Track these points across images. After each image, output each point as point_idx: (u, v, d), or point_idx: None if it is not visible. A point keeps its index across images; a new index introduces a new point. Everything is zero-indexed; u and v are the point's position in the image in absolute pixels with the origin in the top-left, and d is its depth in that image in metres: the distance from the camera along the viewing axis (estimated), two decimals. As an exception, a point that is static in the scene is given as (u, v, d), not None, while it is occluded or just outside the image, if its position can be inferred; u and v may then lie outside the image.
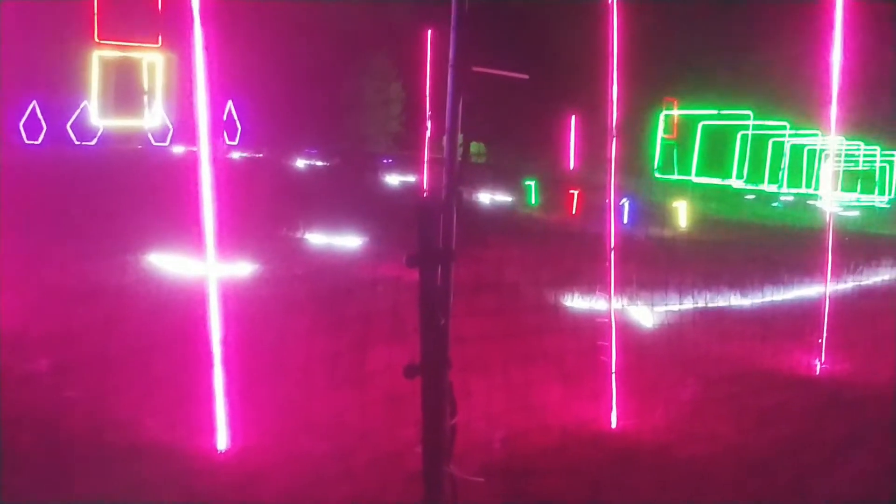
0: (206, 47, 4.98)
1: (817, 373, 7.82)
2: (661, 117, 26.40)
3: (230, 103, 26.71)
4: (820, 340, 7.92)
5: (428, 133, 11.41)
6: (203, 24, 4.97)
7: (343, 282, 9.45)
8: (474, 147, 30.48)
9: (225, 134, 26.37)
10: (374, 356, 6.59)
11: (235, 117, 27.00)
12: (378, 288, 8.35)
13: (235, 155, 23.56)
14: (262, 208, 12.83)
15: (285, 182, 20.57)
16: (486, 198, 22.33)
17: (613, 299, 6.61)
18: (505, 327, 8.43)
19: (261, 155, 24.95)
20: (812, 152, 29.44)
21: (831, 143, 8.69)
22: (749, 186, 28.68)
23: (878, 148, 32.40)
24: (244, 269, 9.91)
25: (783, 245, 15.98)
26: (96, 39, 25.18)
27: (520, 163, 25.85)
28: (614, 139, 6.27)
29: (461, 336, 7.98)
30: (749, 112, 26.43)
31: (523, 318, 8.81)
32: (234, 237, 5.46)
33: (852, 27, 7.93)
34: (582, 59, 6.98)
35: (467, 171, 25.57)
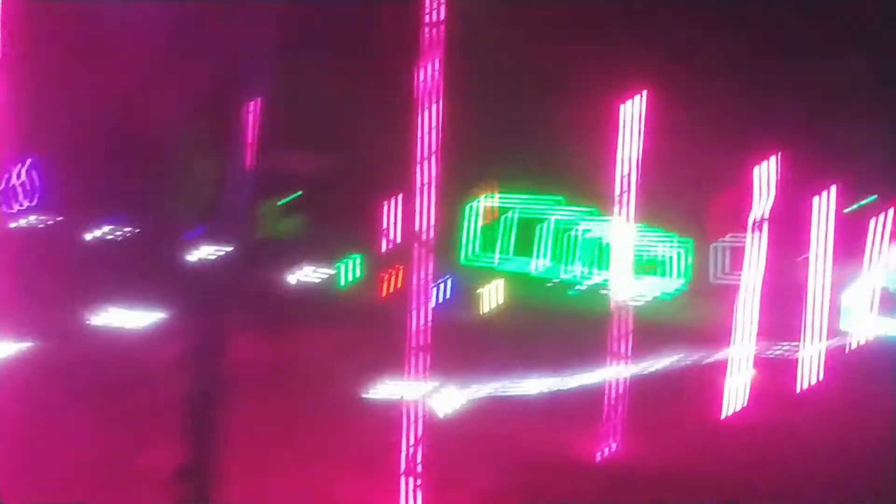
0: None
1: (605, 456, 8.13)
2: (476, 202, 27.42)
3: (28, 162, 24.50)
4: (611, 425, 8.26)
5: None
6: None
7: (130, 368, 8.74)
8: (289, 222, 29.97)
9: (20, 195, 24.07)
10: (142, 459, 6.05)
11: (33, 178, 24.76)
12: (164, 375, 7.79)
13: (25, 221, 21.54)
14: (51, 282, 11.75)
15: (81, 251, 19.02)
16: (300, 276, 21.84)
17: (414, 386, 6.55)
18: (303, 415, 8.15)
19: (59, 219, 22.94)
20: (612, 239, 31.57)
21: (624, 230, 9.30)
22: (554, 271, 30.20)
23: (671, 236, 35.39)
24: (15, 352, 8.93)
25: (583, 329, 16.80)
26: None
27: (339, 239, 25.70)
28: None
29: (252, 427, 7.64)
30: (556, 200, 28.06)
31: (324, 405, 8.57)
32: (8, 317, 4.89)
33: (650, 125, 8.62)
34: (403, 142, 7.14)
35: (271, 248, 24.99)
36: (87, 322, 12.14)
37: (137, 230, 23.36)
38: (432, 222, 6.69)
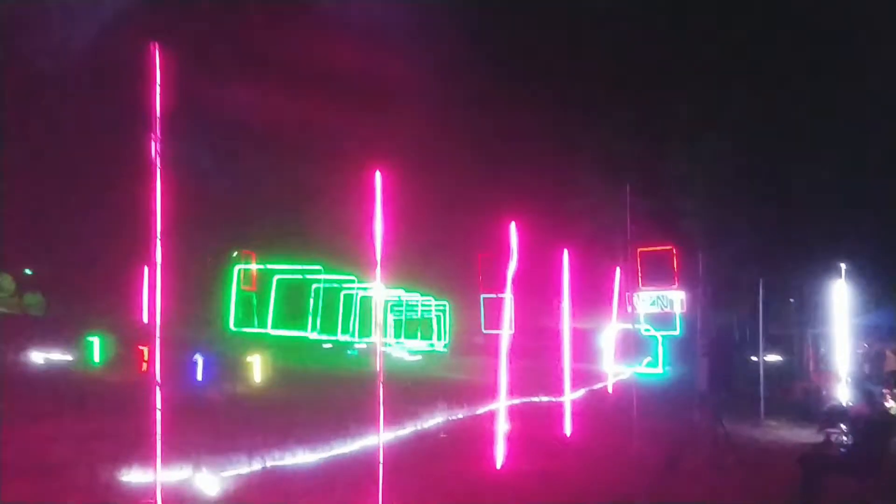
0: None
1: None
2: (237, 270, 26.56)
3: None
4: (377, 491, 8.16)
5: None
6: None
7: None
8: (29, 298, 27.07)
9: None
10: None
11: None
12: None
13: None
14: None
15: None
16: (40, 357, 19.69)
17: (169, 472, 6.01)
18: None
19: None
20: (375, 303, 32.05)
21: (378, 294, 9.44)
22: (325, 336, 30.03)
23: (432, 298, 36.77)
24: None
25: (354, 393, 16.71)
26: None
27: (84, 315, 23.55)
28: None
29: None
30: (320, 266, 28.06)
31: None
32: None
33: (396, 199, 8.90)
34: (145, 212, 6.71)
35: (18, 326, 22.45)
36: None
37: None
38: (160, 295, 6.41)
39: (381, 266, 8.71)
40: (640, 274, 15.54)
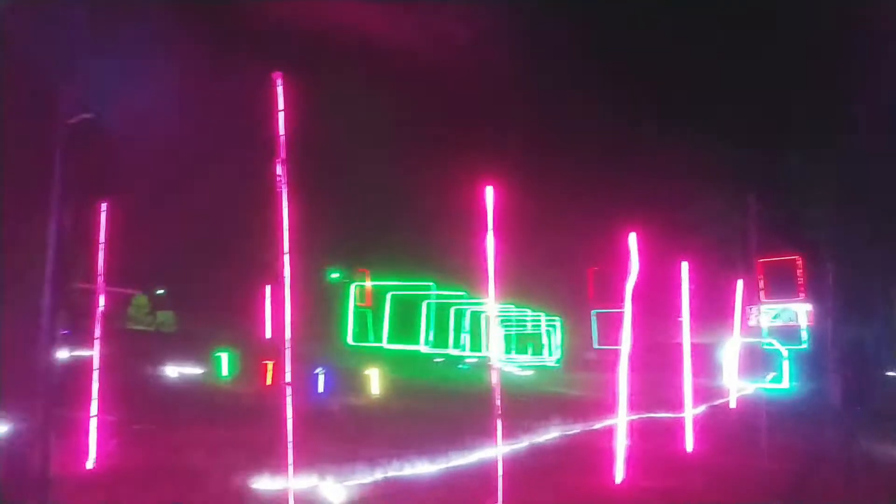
0: None
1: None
2: (354, 287, 27.36)
3: None
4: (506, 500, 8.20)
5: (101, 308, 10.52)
6: None
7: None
8: (162, 316, 28.79)
9: None
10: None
11: None
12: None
13: None
14: None
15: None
16: (174, 371, 20.88)
17: (295, 480, 6.30)
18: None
19: None
20: (488, 318, 32.40)
21: (491, 309, 9.51)
22: (436, 351, 30.43)
23: (543, 314, 36.57)
24: None
25: (467, 407, 16.85)
26: None
27: (212, 332, 24.83)
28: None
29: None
30: (432, 283, 28.52)
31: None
32: None
33: (507, 214, 8.97)
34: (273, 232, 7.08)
35: (153, 342, 23.90)
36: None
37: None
38: (290, 313, 6.68)
39: (493, 281, 8.78)
40: (762, 286, 14.94)
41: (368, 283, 28.21)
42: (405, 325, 29.94)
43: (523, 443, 13.54)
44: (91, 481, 9.09)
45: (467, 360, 30.99)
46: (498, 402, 8.49)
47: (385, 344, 27.71)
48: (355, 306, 27.53)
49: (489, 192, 8.82)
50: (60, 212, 4.21)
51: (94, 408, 9.95)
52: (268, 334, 23.42)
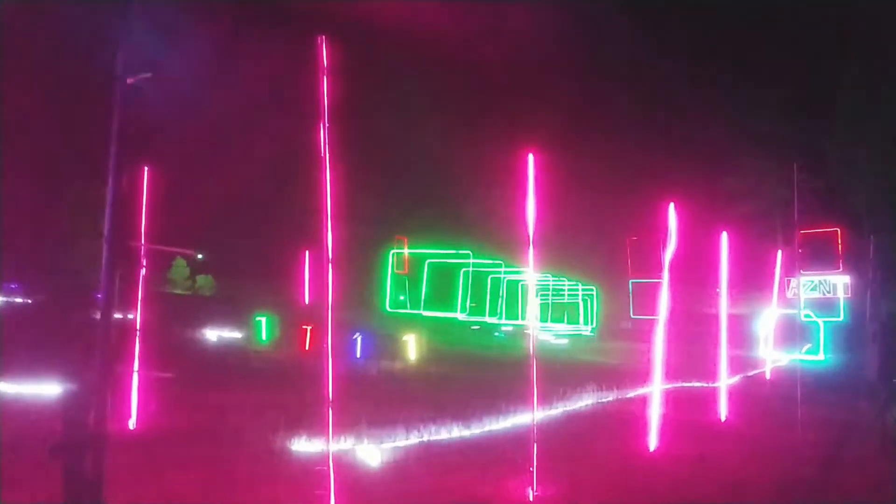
0: None
1: (530, 500, 8.20)
2: (392, 255, 27.63)
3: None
4: (531, 468, 8.35)
5: (143, 271, 10.77)
6: None
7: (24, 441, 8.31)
8: (202, 280, 29.45)
9: None
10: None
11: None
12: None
13: None
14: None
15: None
16: (214, 334, 21.40)
17: (334, 442, 6.51)
18: (219, 479, 7.95)
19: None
20: (525, 287, 32.49)
21: (530, 278, 9.56)
22: (473, 318, 30.70)
23: (579, 283, 36.56)
24: None
25: (502, 374, 17.04)
26: None
27: (251, 296, 25.33)
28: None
29: (165, 494, 7.39)
30: (469, 251, 28.69)
31: (241, 468, 8.39)
32: None
33: (546, 183, 8.98)
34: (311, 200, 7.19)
35: (193, 306, 24.43)
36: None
37: (33, 299, 22.43)
38: (332, 279, 6.77)
39: (532, 249, 8.80)
40: (801, 257, 14.72)
41: (406, 251, 28.45)
42: (442, 293, 30.23)
43: (558, 409, 13.72)
44: (134, 441, 9.43)
45: (503, 328, 31.21)
46: (534, 369, 8.60)
47: (422, 311, 28.02)
48: (393, 273, 27.82)
49: (530, 160, 8.81)
50: (118, 172, 4.35)
51: (136, 369, 10.28)
52: (306, 300, 23.81)
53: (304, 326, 20.71)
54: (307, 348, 20.17)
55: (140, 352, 10.27)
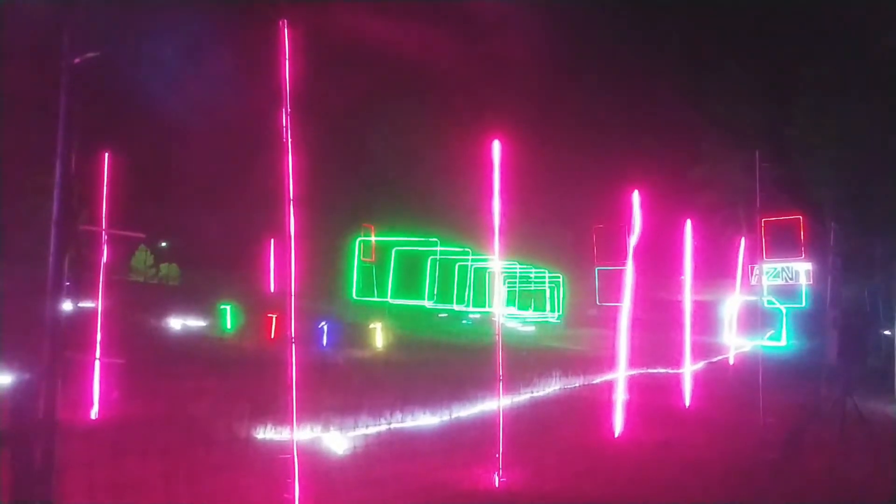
0: None
1: (496, 486, 8.22)
2: (359, 242, 27.44)
3: None
4: (497, 455, 8.36)
5: (104, 258, 10.56)
6: None
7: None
8: (166, 268, 29.04)
9: None
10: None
11: None
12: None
13: None
14: None
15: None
16: (178, 323, 21.10)
17: (299, 430, 6.43)
18: (182, 468, 7.83)
19: None
20: (492, 274, 32.59)
21: (496, 265, 9.54)
22: (440, 306, 30.70)
23: (545, 271, 36.74)
24: None
25: (469, 361, 17.06)
26: None
27: (216, 285, 25.04)
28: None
29: (123, 483, 7.25)
30: (436, 239, 28.63)
31: (204, 456, 8.28)
32: None
33: (513, 171, 8.95)
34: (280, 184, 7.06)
35: (156, 294, 24.10)
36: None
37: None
38: (294, 267, 6.68)
39: (498, 237, 8.78)
40: (764, 245, 14.90)
41: (373, 239, 28.28)
42: (409, 281, 30.16)
43: (524, 396, 13.78)
44: (95, 430, 9.28)
45: (470, 316, 31.27)
46: (501, 355, 8.60)
47: (389, 299, 27.93)
48: (360, 261, 27.65)
49: (496, 147, 8.78)
50: (66, 155, 4.21)
51: (97, 358, 10.09)
52: (272, 288, 23.65)
53: (269, 315, 20.53)
54: (272, 336, 20.00)
55: (101, 340, 10.08)
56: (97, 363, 10.11)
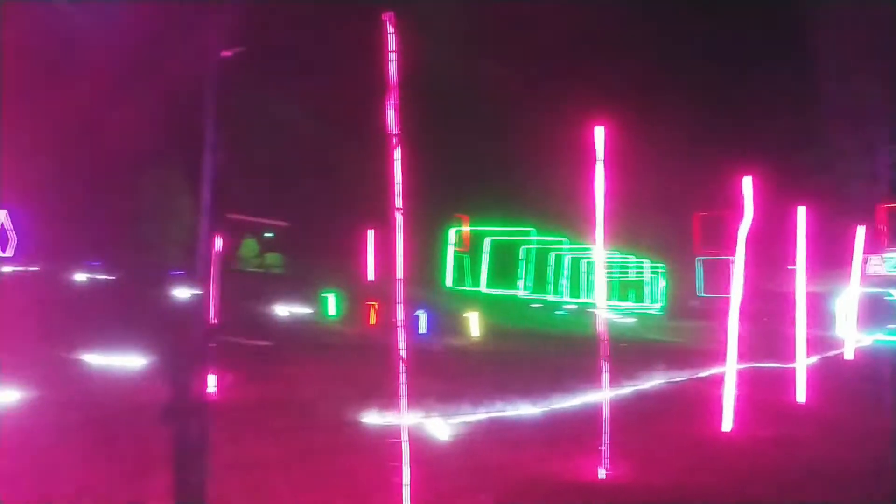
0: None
1: (602, 477, 8.08)
2: (452, 232, 27.59)
3: (4, 213, 24.43)
4: (601, 447, 8.21)
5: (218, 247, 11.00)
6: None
7: (121, 409, 8.67)
8: (271, 258, 29.90)
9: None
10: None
11: (10, 227, 24.69)
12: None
13: (6, 269, 21.35)
14: (34, 326, 11.58)
15: (62, 297, 18.88)
16: (284, 310, 21.74)
17: (406, 414, 6.50)
18: (295, 449, 8.07)
19: (36, 268, 22.79)
20: (590, 264, 32.09)
21: (599, 255, 9.33)
22: (535, 296, 30.49)
23: (646, 260, 35.92)
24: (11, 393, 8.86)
25: (566, 352, 16.86)
26: None
27: (318, 274, 25.67)
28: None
29: (245, 462, 7.53)
30: (531, 228, 28.44)
31: (316, 438, 8.51)
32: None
33: (614, 157, 8.73)
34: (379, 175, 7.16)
35: (263, 284, 24.88)
36: (79, 362, 12.03)
37: (115, 276, 23.24)
38: (402, 256, 6.73)
39: (600, 225, 8.61)
40: (883, 233, 14.06)
41: (467, 228, 28.40)
42: (503, 271, 30.09)
43: (627, 389, 13.48)
44: (214, 410, 9.68)
45: (566, 307, 30.93)
46: (605, 347, 8.44)
47: (483, 288, 27.96)
48: (454, 251, 27.81)
49: (599, 132, 8.58)
50: (214, 144, 4.41)
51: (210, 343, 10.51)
52: (370, 276, 24.08)
53: (369, 303, 20.94)
54: (372, 323, 20.39)
55: (216, 325, 10.51)
56: (209, 348, 10.54)
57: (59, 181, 24.90)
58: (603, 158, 8.61)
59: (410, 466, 6.34)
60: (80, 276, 23.04)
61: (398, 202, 6.81)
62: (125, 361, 12.10)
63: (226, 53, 4.43)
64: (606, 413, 8.36)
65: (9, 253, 24.29)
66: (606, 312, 9.50)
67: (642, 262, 35.91)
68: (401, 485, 6.13)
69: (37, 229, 24.83)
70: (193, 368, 4.10)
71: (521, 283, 29.63)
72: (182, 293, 21.13)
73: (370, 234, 23.25)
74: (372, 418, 9.70)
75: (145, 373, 11.53)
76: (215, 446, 7.31)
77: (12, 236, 24.61)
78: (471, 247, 29.46)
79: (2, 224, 24.37)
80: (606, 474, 8.12)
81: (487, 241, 29.21)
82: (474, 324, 21.79)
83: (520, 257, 29.68)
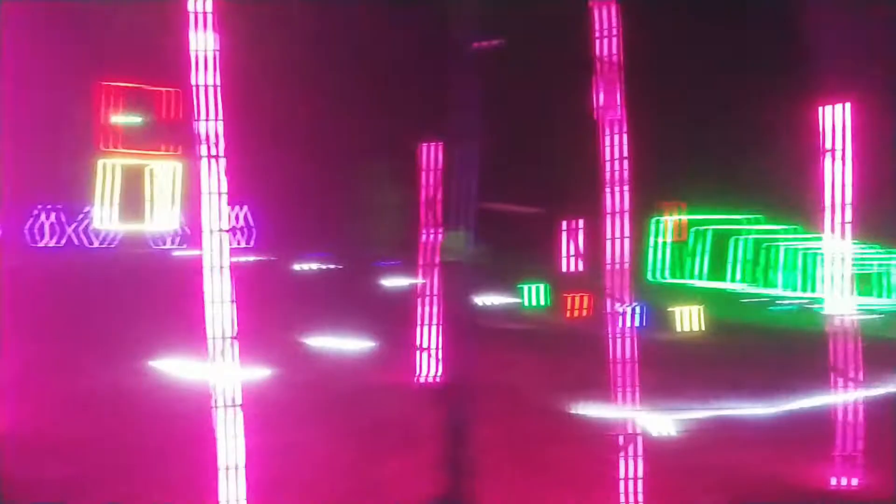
0: (219, 155, 5.10)
1: (845, 485, 7.44)
2: (665, 221, 26.58)
3: (245, 208, 27.38)
4: (844, 454, 7.56)
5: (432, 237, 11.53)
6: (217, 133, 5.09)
7: (358, 388, 9.39)
8: (476, 249, 30.63)
9: (238, 236, 27.01)
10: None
11: (250, 221, 27.64)
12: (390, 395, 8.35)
13: (249, 258, 23.81)
14: (271, 311, 12.84)
15: (296, 284, 20.72)
16: (492, 300, 22.21)
17: (626, 407, 6.39)
18: (509, 436, 8.21)
19: (273, 258, 25.28)
20: (821, 256, 29.49)
21: (838, 246, 8.56)
22: (757, 290, 28.57)
23: (892, 251, 32.35)
24: (256, 373, 9.83)
25: (793, 349, 15.67)
26: (104, 146, 26.06)
27: (524, 264, 25.94)
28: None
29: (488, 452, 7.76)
30: (753, 216, 26.69)
31: (525, 424, 8.61)
32: (244, 340, 5.54)
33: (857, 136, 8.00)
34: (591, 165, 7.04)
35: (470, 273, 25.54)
36: (311, 346, 13.18)
37: (341, 265, 25.11)
38: (625, 247, 6.59)
39: (834, 214, 7.96)
40: None
41: (683, 217, 27.22)
42: (722, 262, 28.55)
43: (874, 392, 12.22)
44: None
45: (795, 301, 28.78)
46: (840, 346, 7.78)
47: (699, 281, 26.72)
48: (670, 241, 26.81)
49: (844, 111, 7.85)
50: (463, 138, 4.58)
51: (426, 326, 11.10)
52: (576, 267, 23.90)
53: (574, 294, 20.90)
54: (584, 314, 20.33)
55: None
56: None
57: (294, 176, 27.31)
58: (843, 138, 7.91)
59: (632, 460, 6.24)
60: (311, 266, 25.13)
61: (616, 190, 6.68)
62: (354, 345, 13.08)
63: (480, 44, 4.54)
64: (847, 417, 7.69)
65: (249, 244, 27.16)
66: (839, 306, 8.68)
67: (887, 253, 32.44)
68: (620, 479, 6.04)
69: (273, 223, 27.47)
70: (461, 347, 4.53)
71: (737, 275, 27.96)
72: (398, 283, 22.31)
73: (580, 223, 23.06)
74: (583, 409, 9.61)
75: (373, 356, 12.37)
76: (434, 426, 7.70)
77: (252, 229, 27.49)
78: (687, 236, 28.30)
79: (244, 218, 27.33)
80: (840, 482, 7.47)
81: (704, 231, 27.92)
82: (694, 317, 20.94)
83: (738, 247, 28.01)
